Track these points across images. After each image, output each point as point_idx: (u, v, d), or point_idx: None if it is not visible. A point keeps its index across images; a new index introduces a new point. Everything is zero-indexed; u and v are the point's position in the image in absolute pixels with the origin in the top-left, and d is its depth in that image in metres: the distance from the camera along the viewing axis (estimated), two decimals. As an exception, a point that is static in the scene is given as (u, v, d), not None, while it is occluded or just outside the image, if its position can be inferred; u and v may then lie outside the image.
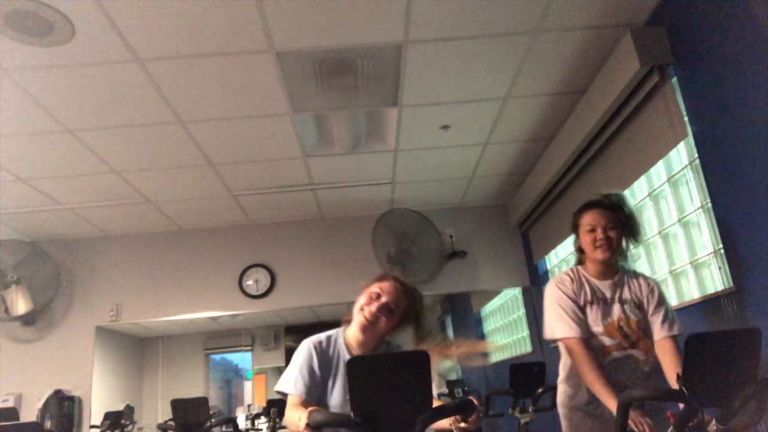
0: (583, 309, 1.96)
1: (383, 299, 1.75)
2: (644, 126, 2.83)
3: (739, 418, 1.36)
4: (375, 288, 1.78)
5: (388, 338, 1.86)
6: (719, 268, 2.42)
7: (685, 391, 1.34)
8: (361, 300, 1.79)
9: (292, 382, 1.71)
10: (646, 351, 1.92)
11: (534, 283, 4.87)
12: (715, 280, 2.50)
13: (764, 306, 2.08)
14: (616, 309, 1.95)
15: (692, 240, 2.71)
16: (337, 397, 1.72)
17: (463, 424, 1.38)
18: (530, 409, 3.06)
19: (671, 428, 1.42)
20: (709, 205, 2.40)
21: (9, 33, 2.34)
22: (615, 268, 2.02)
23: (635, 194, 3.23)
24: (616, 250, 1.96)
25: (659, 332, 1.90)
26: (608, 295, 1.98)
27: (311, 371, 1.72)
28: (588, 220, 2.00)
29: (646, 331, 1.93)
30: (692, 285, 2.74)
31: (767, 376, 1.39)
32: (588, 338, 1.92)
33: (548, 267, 4.69)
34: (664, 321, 1.91)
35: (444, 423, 1.47)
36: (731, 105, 2.16)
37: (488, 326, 6.59)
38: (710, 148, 2.34)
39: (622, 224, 1.98)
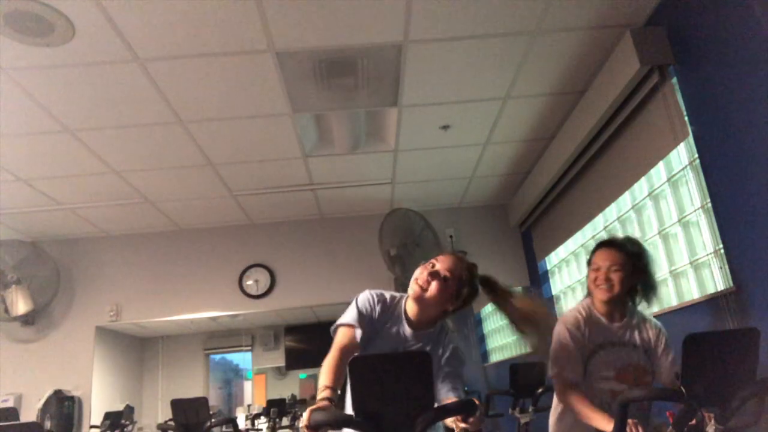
0: (584, 353, 1.93)
1: (436, 267, 1.75)
2: (644, 126, 2.84)
3: (737, 418, 1.37)
4: (431, 261, 1.77)
5: (449, 320, 1.83)
6: (719, 268, 2.43)
7: (683, 391, 1.34)
8: (416, 271, 1.77)
9: (348, 315, 1.71)
10: None
11: (534, 283, 4.87)
12: (716, 280, 2.50)
13: (764, 306, 2.09)
14: (629, 354, 1.91)
15: (692, 240, 2.71)
16: (381, 347, 1.70)
17: (464, 425, 1.38)
18: (530, 409, 3.06)
19: (670, 428, 1.43)
20: (709, 205, 2.40)
21: (9, 33, 2.34)
22: (623, 310, 1.98)
23: (635, 194, 3.23)
24: (617, 293, 1.92)
25: (669, 377, 1.87)
26: (620, 338, 1.94)
27: (368, 310, 1.72)
28: (596, 258, 1.99)
29: (650, 376, 1.91)
30: (692, 285, 2.74)
31: (766, 376, 1.39)
32: (596, 383, 1.90)
33: (548, 267, 4.69)
34: (672, 364, 1.88)
35: (447, 422, 1.47)
36: (731, 105, 2.16)
37: (488, 326, 6.59)
38: (710, 148, 2.34)
39: (633, 270, 1.94)
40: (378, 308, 1.75)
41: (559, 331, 1.97)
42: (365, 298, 1.77)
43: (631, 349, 1.91)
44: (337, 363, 1.57)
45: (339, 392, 1.52)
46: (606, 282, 1.93)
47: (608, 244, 2.01)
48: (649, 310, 2.10)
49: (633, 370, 1.89)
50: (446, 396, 1.67)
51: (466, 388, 1.70)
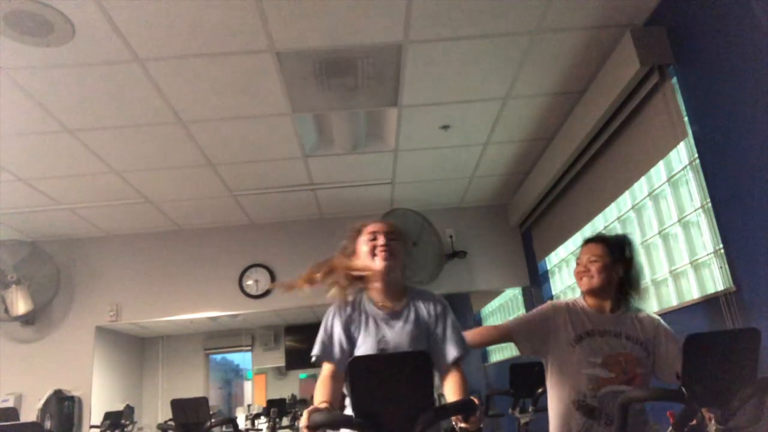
0: (547, 327, 2.02)
1: (379, 235, 1.76)
2: (644, 126, 2.83)
3: (738, 418, 1.36)
4: (367, 235, 1.78)
5: (414, 287, 1.86)
6: (719, 268, 2.43)
7: (684, 391, 1.34)
8: (363, 249, 1.77)
9: (318, 348, 1.74)
10: (639, 387, 1.89)
11: (534, 283, 4.87)
12: (716, 280, 2.50)
13: (764, 306, 2.09)
14: (619, 343, 1.93)
15: (692, 240, 2.71)
16: (368, 348, 1.70)
17: (463, 424, 1.38)
18: (530, 409, 3.06)
19: (670, 428, 1.43)
20: (709, 205, 2.40)
21: (9, 33, 2.34)
22: (613, 303, 2.01)
23: (635, 194, 3.24)
24: (597, 282, 1.98)
25: (672, 370, 1.86)
26: (609, 328, 1.96)
27: (338, 338, 1.73)
28: (580, 254, 2.09)
29: (641, 367, 1.90)
30: (692, 285, 2.74)
31: (766, 377, 1.39)
32: (581, 368, 1.92)
33: (548, 267, 4.69)
34: (676, 359, 1.87)
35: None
36: (731, 105, 2.16)
37: (488, 326, 6.58)
38: (710, 148, 2.34)
39: (614, 261, 1.99)
40: (344, 319, 1.75)
41: (542, 307, 2.11)
42: (328, 321, 1.78)
43: (623, 340, 1.93)
44: (329, 389, 1.62)
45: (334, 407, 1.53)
46: (586, 273, 2.01)
47: (590, 239, 2.10)
48: (646, 304, 2.13)
49: (622, 360, 1.90)
50: (452, 353, 1.70)
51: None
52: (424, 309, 1.77)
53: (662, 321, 1.99)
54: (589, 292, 2.02)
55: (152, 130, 3.28)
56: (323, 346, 1.73)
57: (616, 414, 1.46)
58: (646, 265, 3.10)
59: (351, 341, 1.73)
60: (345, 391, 1.71)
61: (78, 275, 4.90)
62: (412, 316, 1.75)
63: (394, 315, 1.75)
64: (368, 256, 1.75)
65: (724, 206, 2.29)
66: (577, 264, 2.06)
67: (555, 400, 2.01)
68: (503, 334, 2.08)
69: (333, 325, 1.76)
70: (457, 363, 1.71)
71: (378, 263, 1.73)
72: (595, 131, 3.16)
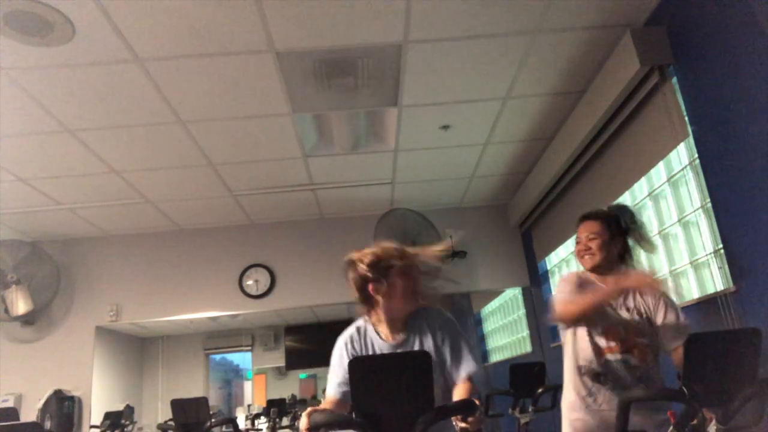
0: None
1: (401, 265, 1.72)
2: (644, 126, 2.83)
3: (739, 418, 1.37)
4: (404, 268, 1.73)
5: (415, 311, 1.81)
6: (719, 268, 2.42)
7: (685, 391, 1.34)
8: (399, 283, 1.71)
9: (329, 384, 1.71)
10: (640, 357, 1.93)
11: (534, 283, 4.87)
12: (715, 280, 2.50)
13: (764, 306, 2.09)
14: (619, 313, 1.96)
15: (692, 240, 2.71)
16: None
17: (463, 424, 1.38)
18: (530, 409, 3.06)
19: (671, 428, 1.43)
20: (709, 205, 2.40)
21: (9, 33, 2.34)
22: (615, 274, 2.02)
23: (635, 194, 3.23)
24: (599, 259, 2.01)
25: (673, 341, 1.88)
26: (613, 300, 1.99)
27: (344, 372, 1.68)
28: (578, 233, 2.10)
29: (643, 336, 1.93)
30: (692, 285, 2.74)
31: (767, 377, 1.39)
32: (590, 337, 1.97)
33: (548, 267, 4.69)
34: (675, 330, 1.89)
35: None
36: (731, 105, 2.16)
37: (488, 326, 6.59)
38: (710, 148, 2.34)
39: (612, 235, 2.03)
40: (354, 351, 1.73)
41: (559, 286, 2.09)
42: (338, 354, 1.75)
43: (623, 311, 1.97)
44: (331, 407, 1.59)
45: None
46: (586, 251, 2.03)
47: (584, 216, 2.12)
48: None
49: (622, 329, 1.94)
50: (460, 378, 1.66)
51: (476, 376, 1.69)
52: (430, 335, 1.73)
53: (665, 294, 1.99)
54: (592, 269, 2.04)
55: (152, 130, 3.28)
56: (331, 383, 1.72)
57: (617, 413, 1.46)
58: (646, 265, 3.10)
59: None
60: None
61: (78, 275, 4.90)
62: (417, 346, 1.72)
63: (398, 346, 1.72)
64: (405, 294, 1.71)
65: (724, 206, 2.29)
66: (577, 242, 2.08)
67: (567, 365, 2.07)
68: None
69: (341, 359, 1.74)
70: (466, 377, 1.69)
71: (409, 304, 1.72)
72: (595, 131, 3.16)
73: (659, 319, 1.93)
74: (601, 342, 1.95)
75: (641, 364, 1.92)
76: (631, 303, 1.98)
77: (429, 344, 1.71)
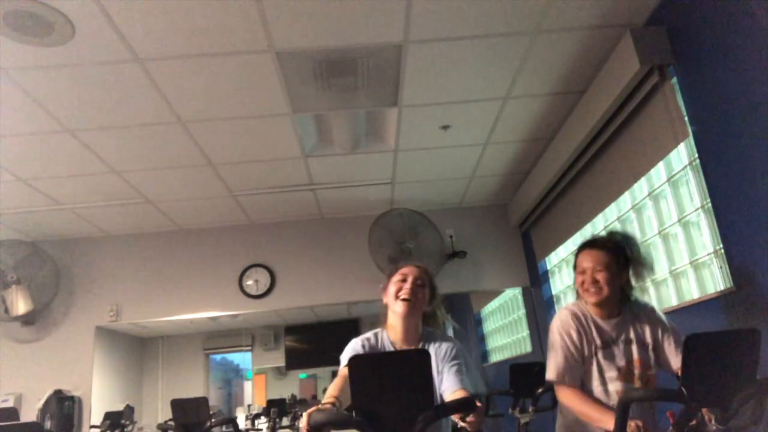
0: (582, 354, 1.91)
1: (408, 278, 1.83)
2: (644, 126, 2.83)
3: (738, 418, 1.36)
4: (398, 276, 1.86)
5: (430, 329, 1.89)
6: (719, 268, 2.42)
7: (684, 391, 1.34)
8: (391, 290, 1.84)
9: (342, 360, 1.77)
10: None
11: (534, 283, 4.87)
12: (716, 280, 2.50)
13: (764, 306, 2.09)
14: (625, 351, 1.90)
15: (692, 240, 2.71)
16: None
17: (464, 424, 1.38)
18: (530, 409, 3.06)
19: (670, 428, 1.43)
20: (709, 205, 2.40)
21: (9, 33, 2.34)
22: (616, 306, 1.95)
23: (635, 194, 3.24)
24: (606, 294, 1.90)
25: (676, 361, 1.85)
26: (614, 336, 1.92)
27: (359, 348, 1.78)
28: (579, 261, 1.98)
29: (651, 368, 1.89)
30: (692, 285, 2.74)
31: (766, 377, 1.39)
32: (603, 385, 1.89)
33: (548, 267, 4.69)
34: (677, 348, 1.86)
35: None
36: (731, 105, 2.16)
37: (488, 326, 6.59)
38: (710, 148, 2.34)
39: (619, 267, 1.92)
40: (367, 348, 1.81)
41: (554, 332, 1.96)
42: (353, 346, 1.82)
43: (630, 346, 1.90)
44: (341, 386, 1.61)
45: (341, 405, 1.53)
46: (593, 285, 1.90)
47: (590, 244, 1.99)
48: (647, 296, 2.05)
49: (634, 367, 1.88)
50: (453, 388, 1.68)
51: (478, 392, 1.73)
52: (436, 353, 1.79)
53: (658, 311, 1.97)
54: (595, 304, 1.94)
55: (152, 130, 3.28)
56: (346, 355, 1.78)
57: (616, 413, 1.46)
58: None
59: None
60: None
61: (78, 275, 4.90)
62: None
63: None
64: (393, 297, 1.83)
65: (724, 206, 2.29)
66: (581, 273, 1.95)
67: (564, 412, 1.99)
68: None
69: (355, 348, 1.82)
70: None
71: (398, 307, 1.80)
72: (595, 131, 3.16)
73: (660, 343, 1.89)
74: (619, 386, 1.87)
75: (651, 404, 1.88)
76: (632, 334, 1.91)
77: (437, 359, 1.78)
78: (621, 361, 1.88)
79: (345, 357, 1.80)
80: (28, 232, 4.74)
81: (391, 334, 1.84)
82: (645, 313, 1.96)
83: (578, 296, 2.03)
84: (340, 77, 2.89)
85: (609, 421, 1.66)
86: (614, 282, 1.91)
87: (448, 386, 1.70)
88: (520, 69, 2.94)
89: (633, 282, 1.98)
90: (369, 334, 1.88)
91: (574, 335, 1.91)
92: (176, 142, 3.43)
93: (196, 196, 4.34)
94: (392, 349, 1.82)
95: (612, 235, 2.04)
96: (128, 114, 3.09)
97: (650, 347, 1.90)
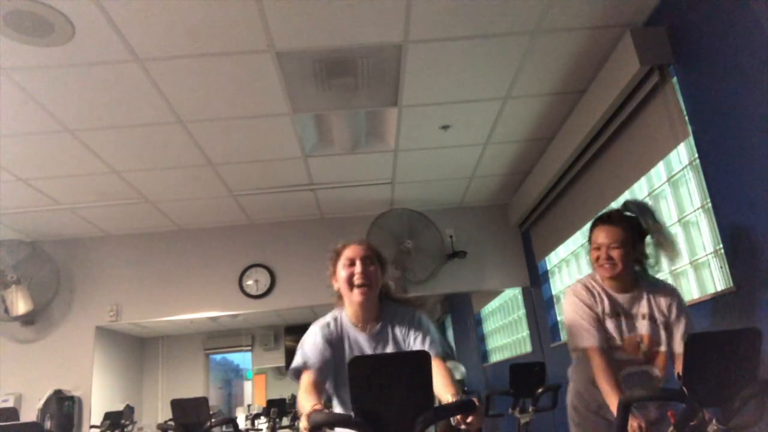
0: (601, 321, 1.93)
1: (356, 259, 1.78)
2: (644, 126, 2.83)
3: (739, 418, 1.36)
4: (345, 260, 1.81)
5: (386, 301, 1.87)
6: (719, 268, 2.42)
7: (685, 391, 1.34)
8: (341, 275, 1.80)
9: (299, 358, 1.75)
10: (660, 365, 1.90)
11: (534, 283, 4.87)
12: (715, 280, 2.50)
13: (764, 306, 2.08)
14: (635, 324, 1.92)
15: (692, 240, 2.71)
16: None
17: (464, 425, 1.38)
18: (530, 409, 3.06)
19: (671, 428, 1.42)
20: (709, 205, 2.40)
21: (9, 33, 2.34)
22: (631, 280, 1.96)
23: (635, 194, 3.23)
24: (620, 269, 1.91)
25: (680, 346, 1.86)
26: (627, 308, 1.94)
27: (320, 349, 1.74)
28: (594, 236, 1.98)
29: (660, 344, 1.90)
30: (692, 285, 2.74)
31: (767, 377, 1.39)
32: (607, 350, 1.90)
33: (548, 267, 4.69)
34: (684, 335, 1.87)
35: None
36: (731, 105, 2.16)
37: (488, 326, 6.59)
38: (710, 148, 2.34)
39: (634, 242, 1.92)
40: (326, 335, 1.79)
41: (571, 302, 1.98)
42: (312, 335, 1.80)
43: (638, 320, 1.92)
44: (315, 396, 1.61)
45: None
46: (608, 261, 1.92)
47: (606, 220, 1.98)
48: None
49: (640, 341, 1.90)
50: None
51: (465, 389, 1.73)
52: (399, 327, 1.81)
53: (678, 297, 1.97)
54: (613, 278, 1.95)
55: (152, 130, 3.28)
56: (303, 357, 1.75)
57: (617, 412, 1.46)
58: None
59: (333, 351, 1.76)
60: (330, 393, 1.78)
61: (78, 275, 4.90)
62: (390, 336, 1.80)
63: (373, 337, 1.80)
64: (345, 284, 1.79)
65: (724, 206, 2.29)
66: (596, 248, 1.96)
67: (579, 377, 2.03)
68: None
69: (314, 338, 1.78)
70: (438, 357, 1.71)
71: (355, 296, 1.76)
72: (595, 131, 3.16)
73: (675, 324, 1.90)
74: (621, 356, 1.89)
75: (662, 373, 1.89)
76: (645, 309, 1.92)
77: (399, 335, 1.79)
78: (628, 333, 1.90)
79: (306, 347, 1.76)
80: (28, 232, 4.74)
81: (351, 316, 1.82)
82: (664, 291, 1.96)
83: (593, 269, 2.05)
84: (340, 77, 2.89)
85: (613, 401, 1.69)
86: (629, 257, 1.92)
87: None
88: (520, 69, 2.94)
89: (650, 252, 1.97)
90: (329, 318, 1.85)
91: (588, 302, 1.94)
92: (176, 142, 3.43)
93: (196, 196, 4.34)
94: (354, 331, 1.80)
95: (627, 206, 2.02)
96: (128, 114, 3.09)
97: (662, 325, 1.91)
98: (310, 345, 1.76)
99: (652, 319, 1.92)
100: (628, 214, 2.00)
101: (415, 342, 1.76)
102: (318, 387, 1.67)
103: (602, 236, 1.95)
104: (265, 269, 4.92)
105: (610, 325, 1.93)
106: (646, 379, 1.90)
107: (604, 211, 2.12)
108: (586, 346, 1.90)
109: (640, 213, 1.97)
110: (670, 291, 1.98)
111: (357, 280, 1.76)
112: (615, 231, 1.93)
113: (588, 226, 2.12)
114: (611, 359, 1.88)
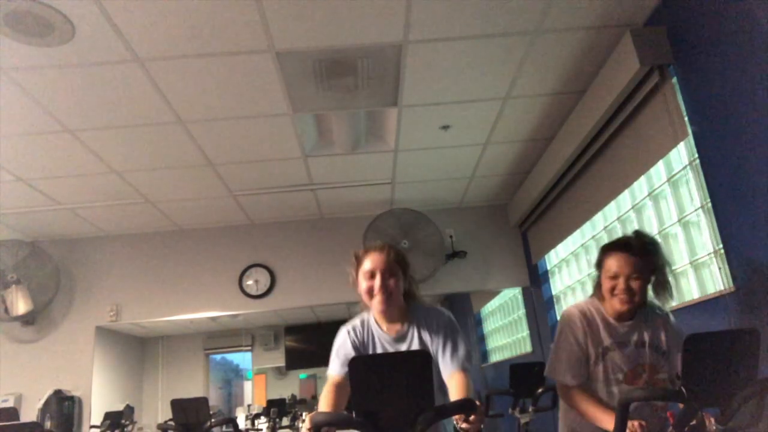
0: (587, 355, 1.88)
1: (376, 272, 1.77)
2: (644, 126, 2.83)
3: (738, 418, 1.37)
4: (365, 273, 1.79)
5: (415, 303, 1.86)
6: (719, 268, 2.42)
7: (684, 391, 1.34)
8: (362, 286, 1.80)
9: (331, 365, 1.81)
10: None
11: (534, 283, 4.87)
12: (715, 280, 2.50)
13: (764, 306, 2.09)
14: (636, 354, 1.86)
15: (692, 240, 2.71)
16: None
17: (464, 425, 1.38)
18: (530, 409, 3.06)
19: (671, 428, 1.43)
20: (709, 205, 2.40)
21: (9, 33, 2.34)
22: (634, 310, 1.90)
23: (635, 194, 3.24)
24: (639, 301, 1.84)
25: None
26: (627, 338, 1.87)
27: (347, 353, 1.78)
28: (612, 264, 1.86)
29: (661, 372, 1.86)
30: (692, 285, 2.74)
31: (766, 377, 1.39)
32: (608, 387, 1.87)
33: (548, 267, 4.69)
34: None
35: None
36: (731, 105, 2.16)
37: (488, 326, 6.59)
38: (710, 148, 2.34)
39: (650, 271, 1.86)
40: (357, 340, 1.82)
41: (562, 329, 1.94)
42: (341, 340, 1.84)
43: (640, 348, 1.87)
44: (333, 397, 1.68)
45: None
46: (626, 292, 1.81)
47: (625, 247, 1.87)
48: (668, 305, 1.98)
49: (642, 371, 1.86)
50: (450, 371, 1.69)
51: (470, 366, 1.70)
52: (427, 330, 1.79)
53: (669, 315, 1.96)
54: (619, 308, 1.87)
55: (152, 130, 3.28)
56: (332, 363, 1.82)
57: (616, 413, 1.46)
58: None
59: (360, 354, 1.79)
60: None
61: (78, 275, 4.90)
62: (416, 338, 1.79)
63: (399, 338, 1.80)
64: (366, 296, 1.79)
65: (724, 206, 2.29)
66: (612, 277, 1.84)
67: (573, 416, 1.97)
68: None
69: (344, 343, 1.83)
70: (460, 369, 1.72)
71: (376, 306, 1.78)
72: (595, 131, 3.16)
73: (674, 350, 1.86)
74: (618, 388, 1.85)
75: (665, 403, 1.85)
76: (646, 338, 1.87)
77: (426, 337, 1.78)
78: (629, 364, 1.86)
79: (337, 348, 1.82)
80: (28, 232, 4.74)
81: (378, 317, 1.84)
82: (663, 319, 1.93)
83: (594, 293, 1.98)
84: (340, 77, 2.89)
85: (610, 422, 1.66)
86: (646, 289, 1.85)
87: (444, 368, 1.71)
88: (520, 69, 2.94)
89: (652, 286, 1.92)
90: (356, 322, 1.86)
91: (580, 336, 1.88)
92: (176, 142, 3.43)
93: (196, 196, 4.34)
94: (381, 333, 1.81)
95: (641, 237, 1.92)
96: (128, 114, 3.09)
97: (665, 353, 1.87)
98: (337, 350, 1.83)
99: (653, 347, 1.87)
100: (647, 244, 1.90)
101: (437, 350, 1.74)
102: (340, 387, 1.73)
103: (622, 266, 1.83)
104: (265, 269, 4.92)
105: (612, 357, 1.87)
106: (650, 410, 1.84)
107: (615, 238, 2.02)
108: (565, 383, 1.89)
109: (654, 248, 1.90)
110: (664, 316, 1.94)
111: (376, 293, 1.76)
112: (636, 261, 1.82)
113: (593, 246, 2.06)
114: (617, 395, 1.83)
